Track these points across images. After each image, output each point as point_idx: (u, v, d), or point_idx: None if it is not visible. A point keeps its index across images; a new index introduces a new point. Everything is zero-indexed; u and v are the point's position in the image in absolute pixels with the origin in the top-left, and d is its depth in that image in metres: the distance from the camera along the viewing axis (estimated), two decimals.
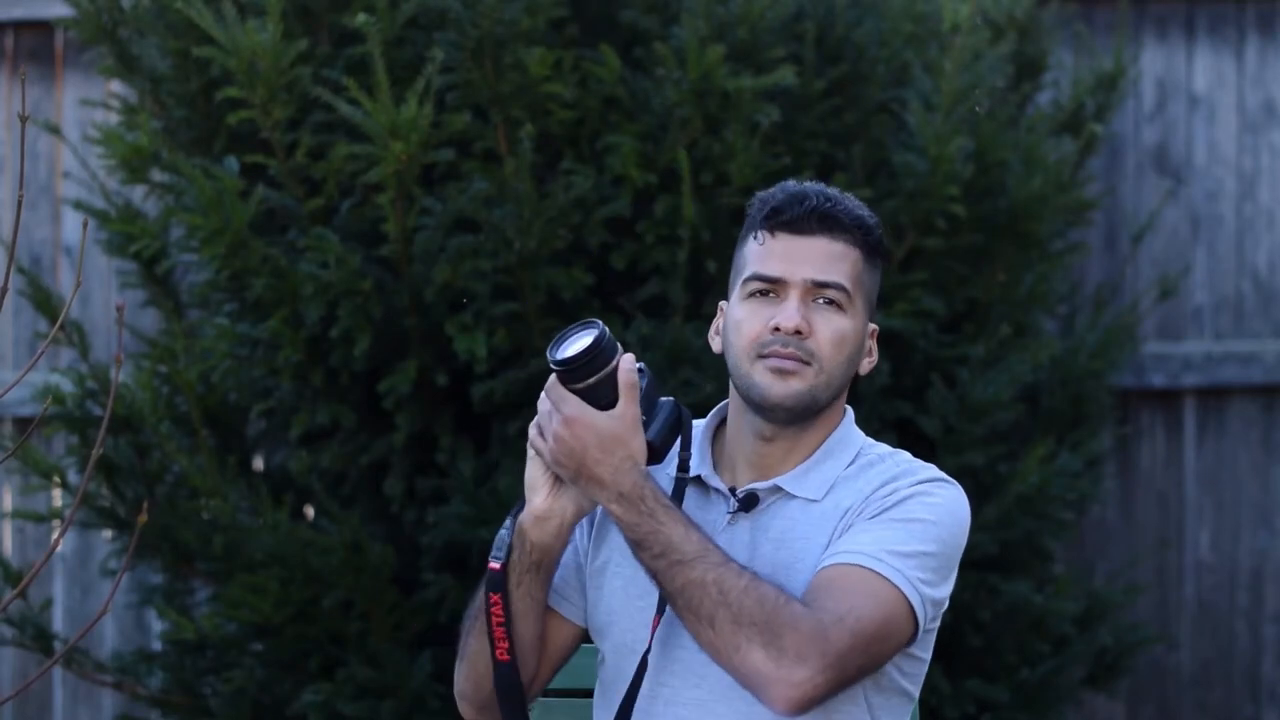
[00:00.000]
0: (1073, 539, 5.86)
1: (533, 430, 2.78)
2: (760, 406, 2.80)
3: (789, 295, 2.79)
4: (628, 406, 2.73)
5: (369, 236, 4.80)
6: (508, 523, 2.80)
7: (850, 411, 2.90)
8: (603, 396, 2.74)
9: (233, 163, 4.80)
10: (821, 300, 2.79)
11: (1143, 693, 6.00)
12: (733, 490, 2.84)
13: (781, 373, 2.77)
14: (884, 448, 2.88)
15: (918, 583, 2.71)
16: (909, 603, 2.71)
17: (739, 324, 2.81)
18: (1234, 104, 6.08)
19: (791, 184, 2.85)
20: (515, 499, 4.70)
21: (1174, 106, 6.09)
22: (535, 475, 2.79)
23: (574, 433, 2.72)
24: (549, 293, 4.76)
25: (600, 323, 2.78)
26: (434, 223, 4.69)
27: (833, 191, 2.84)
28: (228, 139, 4.93)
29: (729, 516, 2.83)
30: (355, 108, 4.59)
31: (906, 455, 2.87)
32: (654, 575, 2.71)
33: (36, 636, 5.14)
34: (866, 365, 2.87)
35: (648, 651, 2.78)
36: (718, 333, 2.89)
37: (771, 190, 2.85)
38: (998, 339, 5.02)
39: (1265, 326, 6.02)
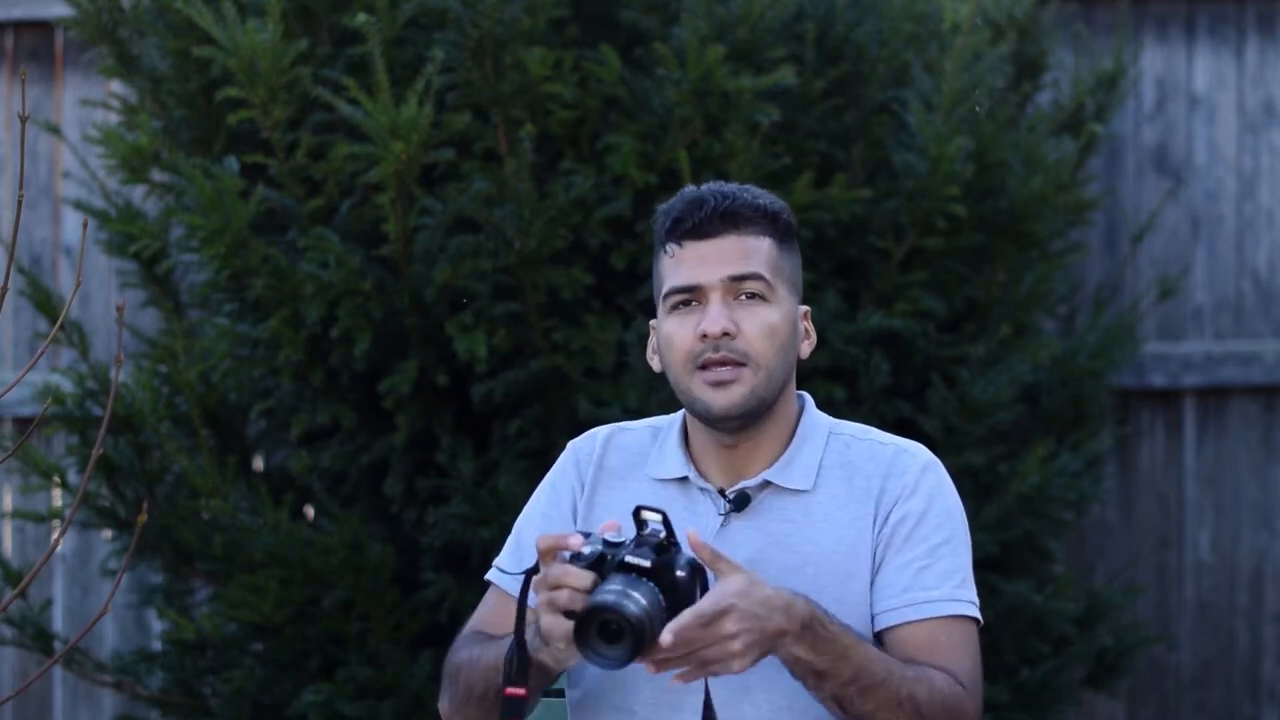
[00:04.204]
0: (1073, 539, 5.87)
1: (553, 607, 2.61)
2: (709, 420, 2.80)
3: (710, 300, 2.77)
4: (733, 568, 2.61)
5: (369, 236, 4.80)
6: (511, 642, 2.69)
7: (808, 397, 2.90)
8: (696, 583, 2.60)
9: (233, 163, 4.80)
10: (744, 295, 2.78)
11: (1143, 693, 6.00)
12: (721, 491, 2.83)
13: (720, 384, 2.76)
14: (850, 426, 2.90)
15: (975, 599, 2.81)
16: (979, 623, 2.81)
17: (669, 339, 2.80)
18: (1234, 104, 6.08)
19: (689, 190, 2.83)
20: (515, 499, 4.68)
21: (1174, 106, 6.09)
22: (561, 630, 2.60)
23: (741, 615, 2.58)
24: (549, 293, 4.76)
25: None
26: (434, 223, 4.69)
27: (730, 187, 2.82)
28: (228, 139, 4.93)
29: (721, 518, 2.82)
30: (355, 108, 4.59)
31: (875, 434, 2.88)
32: (839, 701, 2.67)
33: (36, 636, 5.14)
34: (806, 348, 2.86)
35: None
36: (655, 352, 2.87)
37: (670, 201, 2.83)
38: (998, 339, 5.02)
39: (1265, 326, 6.02)
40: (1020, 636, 5.08)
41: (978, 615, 2.79)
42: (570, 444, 2.96)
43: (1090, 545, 6.00)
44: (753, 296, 2.78)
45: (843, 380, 4.85)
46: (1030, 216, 5.07)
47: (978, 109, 4.97)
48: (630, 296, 4.84)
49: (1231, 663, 6.00)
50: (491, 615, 2.92)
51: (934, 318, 4.96)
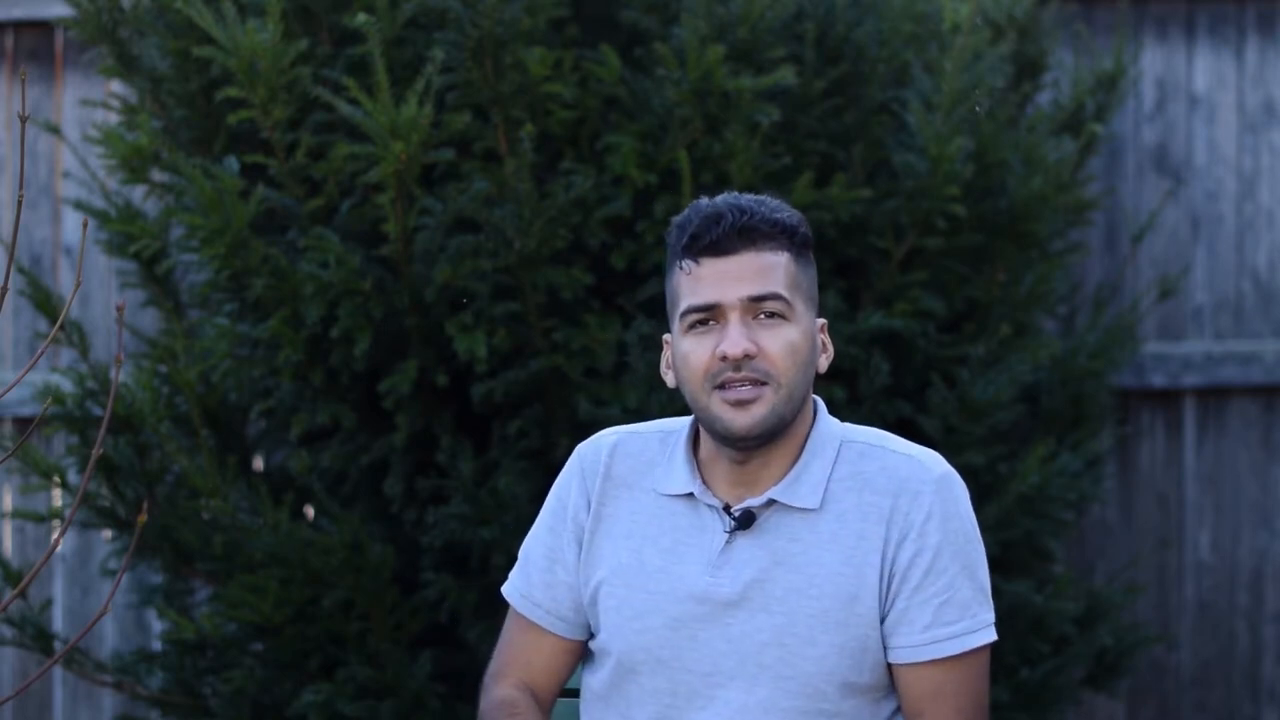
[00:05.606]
0: (1073, 539, 5.87)
1: None
2: (728, 440, 2.76)
3: (728, 319, 2.74)
4: None
5: (369, 236, 4.80)
6: None
7: (821, 403, 2.87)
8: None
9: (233, 163, 4.80)
10: (763, 315, 2.74)
11: (1143, 693, 6.00)
12: (727, 508, 2.82)
13: (740, 404, 2.72)
14: (863, 433, 2.86)
15: (991, 613, 2.82)
16: (994, 634, 2.82)
17: (686, 359, 2.76)
18: (1234, 104, 6.08)
19: (704, 203, 2.79)
20: (515, 499, 4.69)
21: (1174, 106, 6.09)
22: None
23: None
24: (549, 293, 4.75)
25: None
26: (434, 223, 4.68)
27: (746, 200, 2.77)
28: (228, 139, 4.93)
29: (726, 535, 2.80)
30: (355, 108, 4.59)
31: (889, 443, 2.85)
32: None
33: (36, 636, 5.13)
34: (824, 362, 2.83)
35: None
36: (669, 367, 2.83)
37: (685, 214, 2.78)
38: (998, 339, 5.02)
39: (1265, 326, 6.02)
40: (1020, 636, 5.08)
41: (994, 634, 2.80)
42: (576, 451, 2.94)
43: (1090, 545, 6.00)
44: (772, 315, 2.74)
45: (843, 380, 4.85)
46: (1030, 216, 5.06)
47: (978, 109, 4.96)
48: (630, 296, 4.84)
49: (1231, 663, 6.00)
50: (514, 649, 2.94)
51: (934, 318, 4.96)
